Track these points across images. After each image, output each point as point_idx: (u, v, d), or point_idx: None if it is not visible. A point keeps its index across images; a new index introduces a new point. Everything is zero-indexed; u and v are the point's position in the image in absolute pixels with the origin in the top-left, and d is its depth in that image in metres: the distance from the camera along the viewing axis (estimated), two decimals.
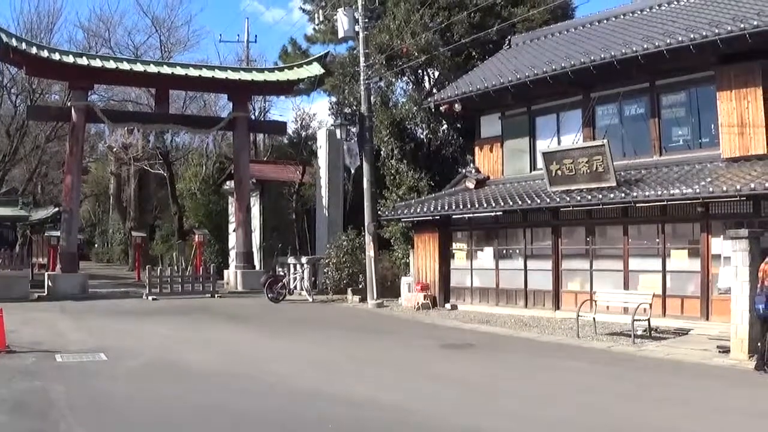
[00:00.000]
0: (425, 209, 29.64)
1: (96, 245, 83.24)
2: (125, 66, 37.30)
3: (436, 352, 19.13)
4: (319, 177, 41.69)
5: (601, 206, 23.79)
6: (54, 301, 31.52)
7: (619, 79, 24.85)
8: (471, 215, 28.44)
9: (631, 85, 25.10)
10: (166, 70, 38.02)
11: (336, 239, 36.68)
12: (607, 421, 11.29)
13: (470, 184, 30.26)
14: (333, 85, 44.49)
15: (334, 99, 44.41)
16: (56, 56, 35.68)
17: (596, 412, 11.94)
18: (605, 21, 30.11)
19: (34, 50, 35.26)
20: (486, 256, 28.97)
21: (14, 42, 34.67)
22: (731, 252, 17.42)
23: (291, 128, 48.09)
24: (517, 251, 27.90)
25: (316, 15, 44.33)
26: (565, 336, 21.41)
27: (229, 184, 46.17)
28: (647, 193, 22.01)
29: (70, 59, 35.86)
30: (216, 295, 35.28)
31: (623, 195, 22.74)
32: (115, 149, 48.45)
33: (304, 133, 48.93)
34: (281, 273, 36.94)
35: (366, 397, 12.92)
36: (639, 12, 28.89)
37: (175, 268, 38.13)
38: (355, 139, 36.23)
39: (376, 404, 12.37)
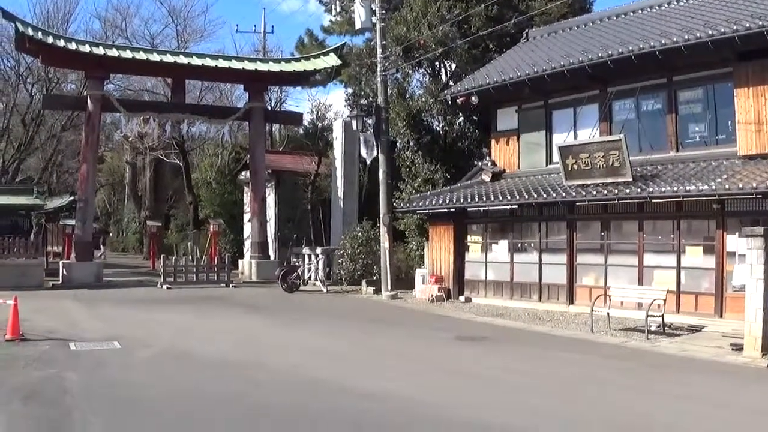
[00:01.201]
0: (440, 201, 29.64)
1: (111, 234, 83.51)
2: (141, 56, 37.32)
3: (449, 344, 19.14)
4: (334, 168, 41.69)
5: (616, 201, 23.74)
6: (68, 290, 31.63)
7: (636, 74, 24.78)
8: (486, 208, 28.43)
9: (648, 81, 25.06)
10: (182, 59, 38.07)
11: (351, 230, 36.70)
12: (618, 416, 11.27)
13: (486, 177, 30.24)
14: (349, 76, 44.58)
15: (350, 90, 44.57)
16: (72, 46, 35.71)
17: (608, 407, 11.94)
18: (623, 15, 30.01)
19: (50, 39, 35.26)
20: (501, 249, 28.96)
21: (30, 31, 34.69)
22: (746, 249, 17.35)
23: (307, 119, 48.17)
24: (532, 245, 27.88)
25: (332, 6, 44.32)
26: (579, 330, 21.40)
27: (245, 174, 46.18)
28: (663, 189, 21.95)
29: (86, 49, 35.88)
30: (230, 285, 35.31)
31: (639, 190, 22.68)
32: (130, 138, 48.48)
33: (320, 124, 48.94)
34: (296, 263, 36.98)
35: (379, 389, 12.92)
36: (657, 7, 28.77)
37: (190, 257, 38.28)
38: (371, 130, 36.20)
39: (389, 396, 12.37)
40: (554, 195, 25.27)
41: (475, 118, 36.68)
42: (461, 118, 37.60)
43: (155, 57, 37.80)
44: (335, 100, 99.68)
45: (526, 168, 29.58)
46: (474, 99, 29.97)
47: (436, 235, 31.25)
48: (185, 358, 16.01)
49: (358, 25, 35.47)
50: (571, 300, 25.96)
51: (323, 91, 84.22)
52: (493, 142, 31.62)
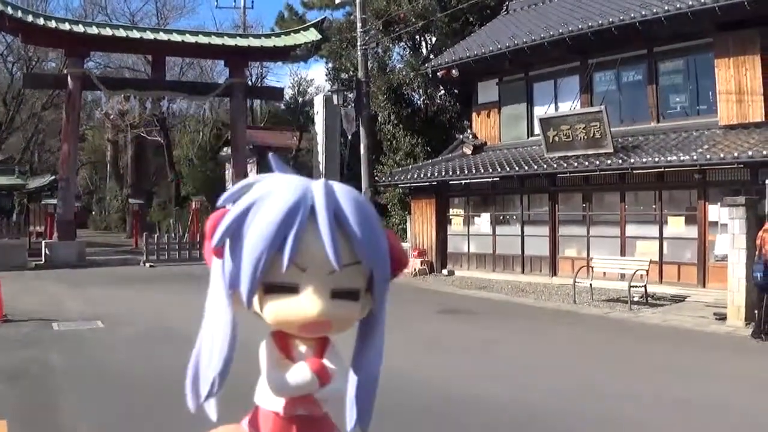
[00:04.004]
0: (422, 175, 29.65)
1: (93, 213, 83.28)
2: (121, 33, 37.08)
3: (433, 318, 19.18)
4: (315, 143, 41.61)
5: (598, 172, 23.82)
6: (51, 270, 31.51)
7: (616, 45, 24.77)
8: (468, 181, 28.46)
9: (628, 52, 25.07)
10: (162, 36, 37.85)
11: None
12: (602, 387, 11.30)
13: (467, 150, 30.26)
14: (330, 50, 44.48)
15: (331, 65, 44.48)
16: (52, 24, 35.45)
17: (591, 378, 11.95)
18: None
19: (29, 18, 34.98)
20: (483, 221, 29.03)
21: (9, 10, 34.37)
22: (728, 219, 17.46)
23: (288, 94, 48.05)
24: (514, 217, 27.95)
25: None
26: (562, 302, 21.50)
27: (226, 151, 46.15)
28: (644, 160, 22.01)
29: (66, 27, 35.63)
30: None
31: (620, 161, 22.75)
32: (111, 116, 48.21)
33: (301, 99, 48.86)
34: None
35: None
36: None
37: (173, 234, 38.18)
38: (352, 104, 36.20)
39: None
40: (536, 167, 25.32)
41: (455, 91, 36.60)
42: (442, 92, 37.55)
43: (135, 34, 37.55)
44: (316, 75, 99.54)
45: (507, 140, 29.59)
46: (454, 72, 30.04)
47: (418, 209, 31.27)
48: (168, 335, 15.95)
49: (338, 0, 35.36)
50: (553, 272, 26.07)
51: (304, 66, 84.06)
52: (474, 114, 31.66)
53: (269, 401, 2.01)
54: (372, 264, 1.80)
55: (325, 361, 1.96)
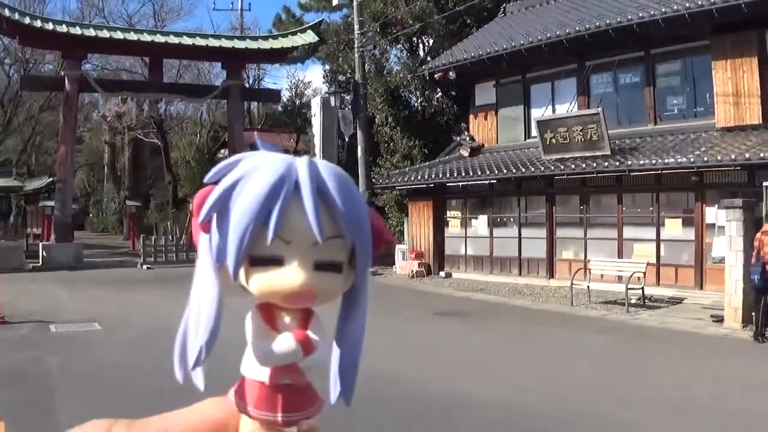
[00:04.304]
0: (419, 177, 29.65)
1: (91, 215, 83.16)
2: (118, 35, 37.04)
3: (429, 319, 19.18)
4: (313, 145, 41.61)
5: (595, 174, 23.82)
6: (49, 271, 31.44)
7: (614, 47, 24.78)
8: (465, 183, 28.46)
9: (626, 54, 25.07)
10: (159, 39, 37.82)
11: None
12: (599, 389, 11.29)
13: (464, 152, 30.27)
14: (327, 53, 44.48)
15: (328, 67, 44.47)
16: (49, 26, 35.41)
17: (588, 380, 11.95)
18: None
19: (27, 20, 34.94)
20: (480, 224, 29.04)
21: (7, 12, 34.33)
22: (725, 221, 17.47)
23: (285, 96, 48.04)
24: (512, 219, 27.96)
25: None
26: (559, 304, 21.48)
27: (224, 153, 46.11)
28: (642, 162, 22.01)
29: (63, 29, 35.59)
30: None
31: (617, 163, 22.75)
32: (109, 118, 48.20)
33: (298, 101, 48.85)
34: None
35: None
36: None
37: (170, 237, 38.14)
38: (350, 106, 36.26)
39: (368, 373, 12.32)
40: (533, 169, 25.31)
41: (453, 93, 36.65)
42: (439, 94, 37.61)
43: (132, 36, 37.52)
44: (314, 77, 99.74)
45: (504, 143, 29.60)
46: (452, 74, 30.01)
47: (415, 211, 31.27)
48: (165, 337, 15.60)
49: (335, 2, 35.50)
50: (551, 274, 26.07)
51: (301, 68, 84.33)
52: (471, 117, 31.66)
53: (255, 371, 2.06)
54: (353, 237, 1.81)
55: (309, 332, 1.99)
